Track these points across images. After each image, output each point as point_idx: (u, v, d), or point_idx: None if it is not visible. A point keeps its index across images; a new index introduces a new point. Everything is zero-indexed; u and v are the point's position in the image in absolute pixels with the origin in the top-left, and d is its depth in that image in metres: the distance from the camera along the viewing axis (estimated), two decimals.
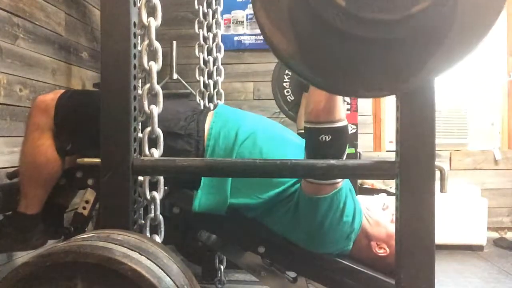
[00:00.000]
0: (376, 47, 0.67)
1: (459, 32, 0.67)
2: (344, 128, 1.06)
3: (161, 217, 1.01)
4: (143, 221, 0.99)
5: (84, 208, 1.39)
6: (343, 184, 1.15)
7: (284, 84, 1.95)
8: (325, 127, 1.04)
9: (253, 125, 1.28)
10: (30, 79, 1.99)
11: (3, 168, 1.77)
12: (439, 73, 0.70)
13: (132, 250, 0.74)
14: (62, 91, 1.28)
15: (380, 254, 1.23)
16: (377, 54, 0.68)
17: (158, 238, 1.00)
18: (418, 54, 0.68)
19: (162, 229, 1.02)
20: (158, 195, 1.01)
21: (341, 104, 1.06)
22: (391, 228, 1.22)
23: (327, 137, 1.03)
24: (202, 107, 1.78)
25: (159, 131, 1.00)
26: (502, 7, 0.68)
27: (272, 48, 0.71)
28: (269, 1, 0.70)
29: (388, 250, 1.22)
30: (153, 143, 1.00)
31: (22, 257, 1.82)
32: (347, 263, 1.21)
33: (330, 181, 1.11)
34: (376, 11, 0.62)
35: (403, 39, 0.66)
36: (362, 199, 1.36)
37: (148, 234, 0.99)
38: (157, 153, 1.00)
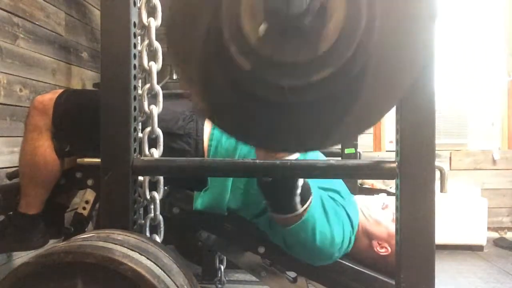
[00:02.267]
0: (282, 109, 0.68)
1: (369, 100, 0.67)
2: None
3: (161, 217, 1.02)
4: (143, 221, 0.99)
5: (84, 208, 1.39)
6: (309, 208, 1.09)
7: None
8: None
9: None
10: (30, 79, 1.99)
11: (3, 168, 1.77)
12: (346, 138, 0.71)
13: (132, 250, 0.74)
14: (60, 91, 1.28)
15: (382, 254, 1.23)
16: (284, 116, 0.69)
17: (158, 238, 1.00)
18: (325, 119, 0.69)
19: (162, 229, 1.02)
20: (158, 195, 1.01)
21: None
22: (392, 227, 1.22)
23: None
24: None
25: (159, 131, 1.01)
26: (414, 75, 0.68)
27: (192, 101, 0.73)
28: (183, 59, 0.71)
29: (389, 249, 1.22)
30: (153, 143, 1.00)
31: (22, 257, 1.82)
32: (347, 263, 1.21)
33: (291, 215, 1.07)
34: (279, 76, 0.62)
35: (308, 104, 0.66)
36: (361, 199, 1.36)
37: (148, 234, 0.99)
38: (157, 153, 1.00)
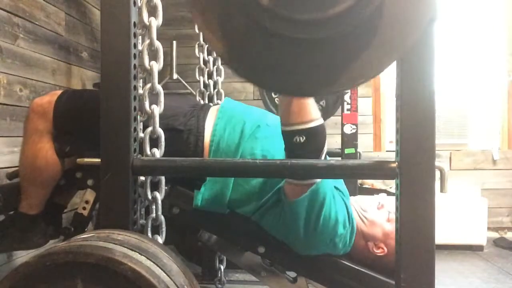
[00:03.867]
0: (302, 47, 0.68)
1: (385, 38, 0.67)
2: (318, 128, 1.06)
3: (162, 217, 1.02)
4: (144, 221, 0.99)
5: (84, 208, 1.39)
6: (322, 183, 1.13)
7: None
8: (297, 128, 1.05)
9: (258, 120, 1.29)
10: (30, 79, 1.99)
11: (3, 168, 1.77)
12: (365, 78, 0.71)
13: (132, 250, 0.74)
14: (59, 93, 1.28)
15: (378, 254, 1.23)
16: (303, 54, 0.69)
17: (160, 238, 1.00)
18: (342, 56, 0.69)
19: (164, 229, 1.02)
20: (159, 195, 1.01)
21: (312, 104, 1.07)
22: (388, 227, 1.22)
23: (301, 138, 1.05)
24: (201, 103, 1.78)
25: (160, 131, 1.01)
26: (434, 13, 0.68)
27: (211, 48, 0.73)
28: (201, 4, 0.71)
29: (386, 249, 1.22)
30: (154, 143, 1.00)
31: (22, 257, 1.82)
32: (347, 263, 1.21)
33: (306, 181, 1.11)
34: (297, 12, 0.63)
35: (327, 40, 0.66)
36: (355, 200, 1.36)
37: (149, 234, 0.99)
38: (158, 153, 1.00)
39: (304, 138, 1.04)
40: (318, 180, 1.11)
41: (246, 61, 0.73)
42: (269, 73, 0.72)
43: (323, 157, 1.10)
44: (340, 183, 1.33)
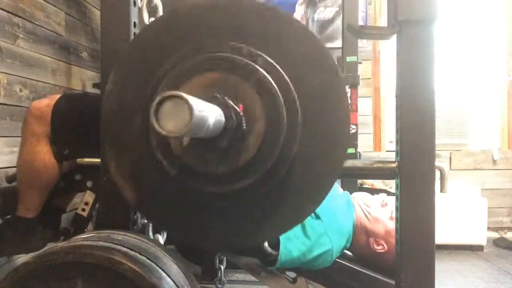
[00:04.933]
0: (211, 208, 0.72)
1: (295, 200, 0.71)
2: None
3: None
4: (145, 221, 0.99)
5: (83, 210, 1.39)
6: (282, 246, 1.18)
7: None
8: None
9: None
10: (30, 79, 1.99)
11: (3, 168, 1.77)
12: (275, 235, 0.79)
13: (132, 250, 0.74)
14: (57, 96, 1.28)
15: (378, 251, 1.23)
16: (212, 213, 0.73)
17: (161, 238, 1.00)
18: (249, 219, 0.72)
19: None
20: None
21: None
22: (390, 225, 1.24)
23: None
24: None
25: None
26: (336, 176, 0.73)
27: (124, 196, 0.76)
28: (118, 155, 0.75)
29: (386, 246, 1.23)
30: None
31: (22, 257, 1.82)
32: (347, 263, 1.21)
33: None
34: (203, 184, 0.66)
35: (235, 207, 0.70)
36: (360, 195, 1.37)
37: (151, 234, 0.99)
38: None
39: None
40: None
41: (159, 213, 0.76)
42: (180, 223, 0.76)
43: None
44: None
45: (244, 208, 0.71)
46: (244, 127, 0.63)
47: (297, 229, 1.19)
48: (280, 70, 0.67)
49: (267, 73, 0.66)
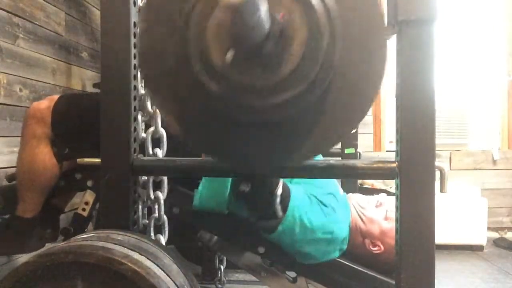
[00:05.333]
0: (254, 130, 0.72)
1: (333, 117, 0.71)
2: None
3: (165, 217, 1.02)
4: (147, 221, 0.99)
5: (83, 209, 1.40)
6: (289, 209, 1.14)
7: None
8: None
9: None
10: (30, 79, 1.99)
11: (3, 168, 1.77)
12: (316, 153, 0.76)
13: (132, 250, 0.74)
14: (56, 98, 1.28)
15: (374, 252, 1.23)
16: (256, 136, 0.73)
17: (162, 239, 1.00)
18: (293, 137, 0.73)
19: (166, 229, 1.02)
20: (162, 195, 1.01)
21: None
22: (385, 225, 1.24)
23: None
24: None
25: (162, 131, 1.01)
26: (377, 92, 0.73)
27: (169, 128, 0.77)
28: (156, 85, 0.75)
29: (382, 247, 1.23)
30: (156, 142, 1.01)
31: (22, 257, 1.82)
32: (347, 263, 1.21)
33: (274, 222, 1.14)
34: (248, 98, 0.65)
35: (277, 123, 0.70)
36: (355, 197, 1.37)
37: (152, 234, 0.99)
38: (160, 153, 1.01)
39: None
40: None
41: (203, 143, 0.77)
42: (225, 152, 0.76)
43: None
44: (326, 187, 1.31)
45: (288, 123, 0.71)
46: (287, 33, 0.62)
47: (308, 205, 1.17)
48: None
49: None
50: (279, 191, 1.09)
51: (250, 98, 0.64)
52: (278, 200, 1.09)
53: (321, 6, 0.64)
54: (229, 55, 0.61)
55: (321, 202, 1.21)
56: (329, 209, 1.19)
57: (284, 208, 1.11)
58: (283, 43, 0.62)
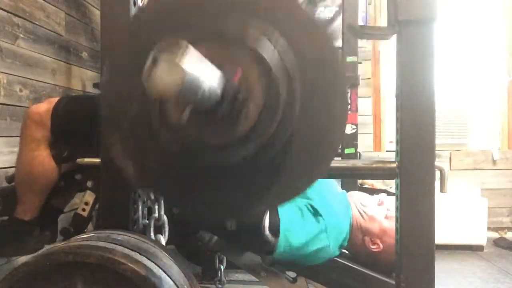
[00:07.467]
0: (213, 179, 0.71)
1: (296, 169, 0.70)
2: None
3: (165, 217, 1.02)
4: (147, 221, 0.99)
5: (83, 210, 1.39)
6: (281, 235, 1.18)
7: None
8: None
9: None
10: (30, 79, 1.99)
11: (3, 168, 1.77)
12: (281, 202, 0.75)
13: (132, 250, 0.74)
14: (55, 100, 1.28)
15: (373, 250, 1.24)
16: (215, 185, 0.72)
17: (162, 239, 1.00)
18: (254, 186, 0.72)
19: (167, 229, 1.02)
20: None
21: None
22: (385, 224, 1.24)
23: None
24: None
25: None
26: (337, 145, 0.73)
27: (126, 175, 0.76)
28: (121, 141, 0.75)
29: (381, 246, 1.23)
30: None
31: (22, 257, 1.82)
32: (347, 263, 1.21)
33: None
34: (205, 156, 0.66)
35: (236, 175, 0.70)
36: (356, 195, 1.37)
37: (152, 234, 0.99)
38: None
39: None
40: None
41: (162, 187, 0.76)
42: (182, 196, 0.75)
43: None
44: (325, 188, 1.32)
45: (245, 178, 0.70)
46: (243, 95, 0.62)
47: (298, 222, 1.20)
48: (279, 36, 0.65)
49: (265, 40, 0.64)
50: (266, 220, 1.15)
51: (206, 155, 0.65)
52: (266, 229, 1.15)
53: (279, 65, 0.63)
54: (186, 113, 0.61)
55: (314, 209, 1.22)
56: (320, 218, 1.22)
57: (275, 233, 1.16)
58: (238, 104, 0.62)
